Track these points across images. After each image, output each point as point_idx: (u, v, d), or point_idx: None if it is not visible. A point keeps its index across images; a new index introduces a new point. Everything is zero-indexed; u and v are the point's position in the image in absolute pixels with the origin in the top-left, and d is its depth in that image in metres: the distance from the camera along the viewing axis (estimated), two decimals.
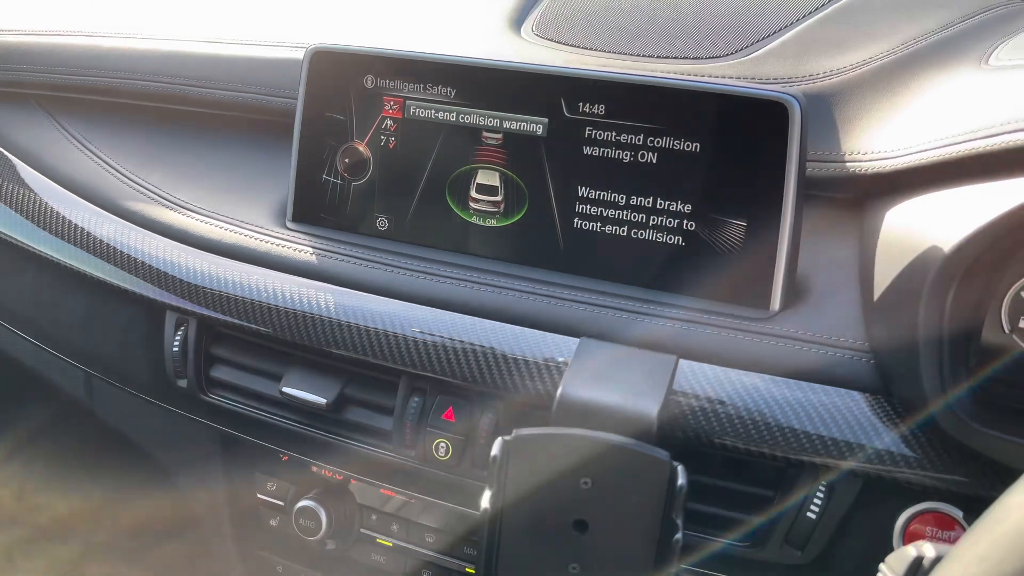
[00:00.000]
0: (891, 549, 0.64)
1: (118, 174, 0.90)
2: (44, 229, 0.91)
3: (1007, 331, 0.61)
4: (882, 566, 0.44)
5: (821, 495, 0.65)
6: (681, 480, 0.58)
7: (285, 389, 0.80)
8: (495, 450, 0.60)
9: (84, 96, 0.95)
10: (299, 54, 0.81)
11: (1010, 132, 0.59)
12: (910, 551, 0.42)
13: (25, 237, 0.92)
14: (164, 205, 0.87)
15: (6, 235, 0.94)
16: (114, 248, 0.86)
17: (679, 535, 0.58)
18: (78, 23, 0.97)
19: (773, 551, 0.67)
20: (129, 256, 0.85)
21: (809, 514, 0.66)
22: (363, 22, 0.93)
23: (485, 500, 0.60)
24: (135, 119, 0.94)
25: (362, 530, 0.85)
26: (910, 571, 0.42)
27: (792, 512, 0.66)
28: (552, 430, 0.60)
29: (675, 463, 0.58)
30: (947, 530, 0.63)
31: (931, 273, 0.58)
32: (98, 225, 0.88)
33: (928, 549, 0.42)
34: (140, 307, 0.87)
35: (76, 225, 0.89)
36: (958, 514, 0.63)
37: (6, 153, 0.97)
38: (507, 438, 0.60)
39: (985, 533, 0.31)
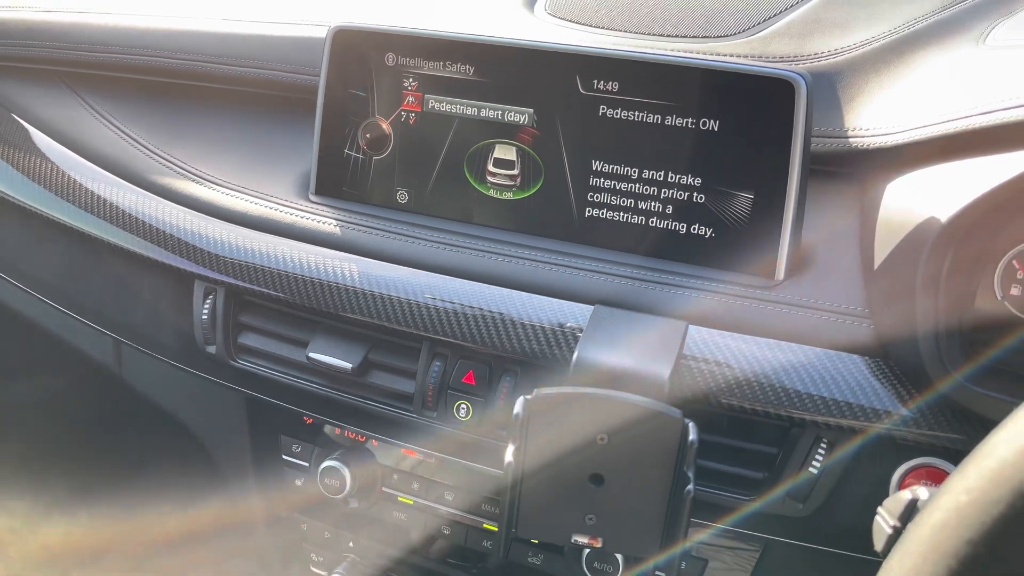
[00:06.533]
0: None
1: (144, 149, 0.93)
2: (73, 203, 0.93)
3: (999, 298, 0.65)
4: (880, 509, 0.48)
5: (822, 452, 0.69)
6: (692, 436, 0.62)
7: (312, 355, 0.83)
8: (518, 408, 0.63)
9: (108, 73, 0.97)
10: (321, 32, 0.83)
11: (1004, 110, 0.62)
12: (906, 495, 0.46)
13: (55, 210, 0.95)
14: (190, 179, 0.90)
15: (36, 208, 0.96)
16: (143, 221, 0.89)
17: (691, 487, 0.62)
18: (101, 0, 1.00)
19: (777, 504, 0.71)
20: (158, 228, 0.88)
21: (811, 469, 0.69)
22: (380, 1, 0.96)
23: (508, 454, 0.64)
24: (159, 96, 0.97)
25: (384, 489, 0.89)
26: (906, 512, 0.46)
27: (795, 468, 0.70)
28: (571, 389, 0.63)
29: (687, 420, 0.62)
30: (940, 483, 0.67)
31: (928, 243, 0.62)
32: (127, 198, 0.90)
33: (922, 492, 0.46)
34: (169, 277, 0.90)
35: (105, 199, 0.92)
36: (951, 468, 0.67)
37: (34, 128, 0.99)
38: (529, 397, 0.63)
39: (972, 467, 0.34)
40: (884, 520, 0.47)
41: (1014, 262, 0.64)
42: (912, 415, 0.65)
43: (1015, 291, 0.64)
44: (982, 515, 0.33)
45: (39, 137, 0.99)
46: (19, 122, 1.00)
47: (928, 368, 0.63)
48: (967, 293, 0.65)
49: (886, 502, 0.47)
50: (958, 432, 0.64)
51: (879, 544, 0.46)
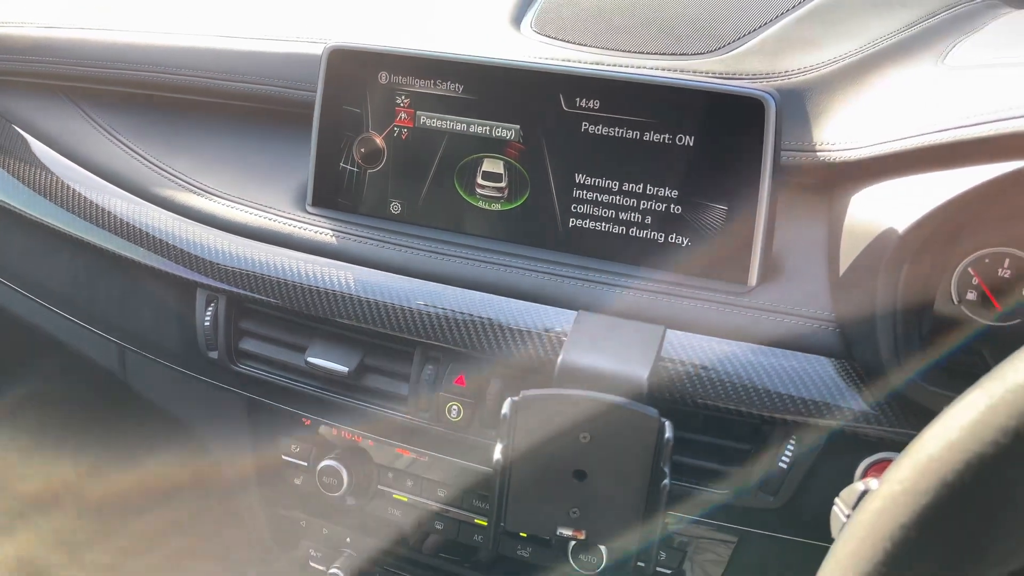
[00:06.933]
0: None
1: (146, 161, 0.96)
2: (77, 214, 0.96)
3: (956, 303, 0.69)
4: (837, 500, 0.52)
5: (791, 448, 0.73)
6: (668, 434, 0.66)
7: (310, 359, 0.86)
8: (505, 409, 0.67)
9: (109, 88, 1.00)
10: (316, 50, 0.86)
11: (958, 128, 0.66)
12: (859, 486, 0.50)
13: (59, 221, 0.97)
14: (191, 191, 0.93)
15: (40, 219, 0.99)
16: (146, 231, 0.92)
17: (667, 482, 0.66)
18: (102, 17, 1.02)
19: (749, 497, 0.75)
20: (161, 239, 0.91)
21: (781, 464, 0.73)
22: (370, 18, 0.98)
23: (497, 452, 0.68)
24: (160, 110, 0.99)
25: (379, 487, 0.92)
26: (858, 502, 0.50)
27: (766, 463, 0.74)
28: (556, 391, 0.67)
29: (663, 419, 0.66)
30: None
31: (888, 251, 0.66)
32: (130, 210, 0.93)
33: (873, 484, 0.50)
34: (172, 285, 0.93)
35: (108, 211, 0.94)
36: None
37: (37, 141, 1.02)
38: (516, 398, 0.67)
39: (907, 460, 0.39)
40: (840, 509, 0.51)
41: (969, 269, 0.68)
42: (874, 412, 0.69)
43: (971, 296, 0.68)
44: (913, 503, 0.37)
45: (42, 150, 1.01)
46: (22, 135, 1.03)
47: (888, 369, 0.67)
48: (925, 298, 0.68)
49: (842, 492, 0.51)
50: (915, 428, 0.67)
51: (835, 531, 0.51)
